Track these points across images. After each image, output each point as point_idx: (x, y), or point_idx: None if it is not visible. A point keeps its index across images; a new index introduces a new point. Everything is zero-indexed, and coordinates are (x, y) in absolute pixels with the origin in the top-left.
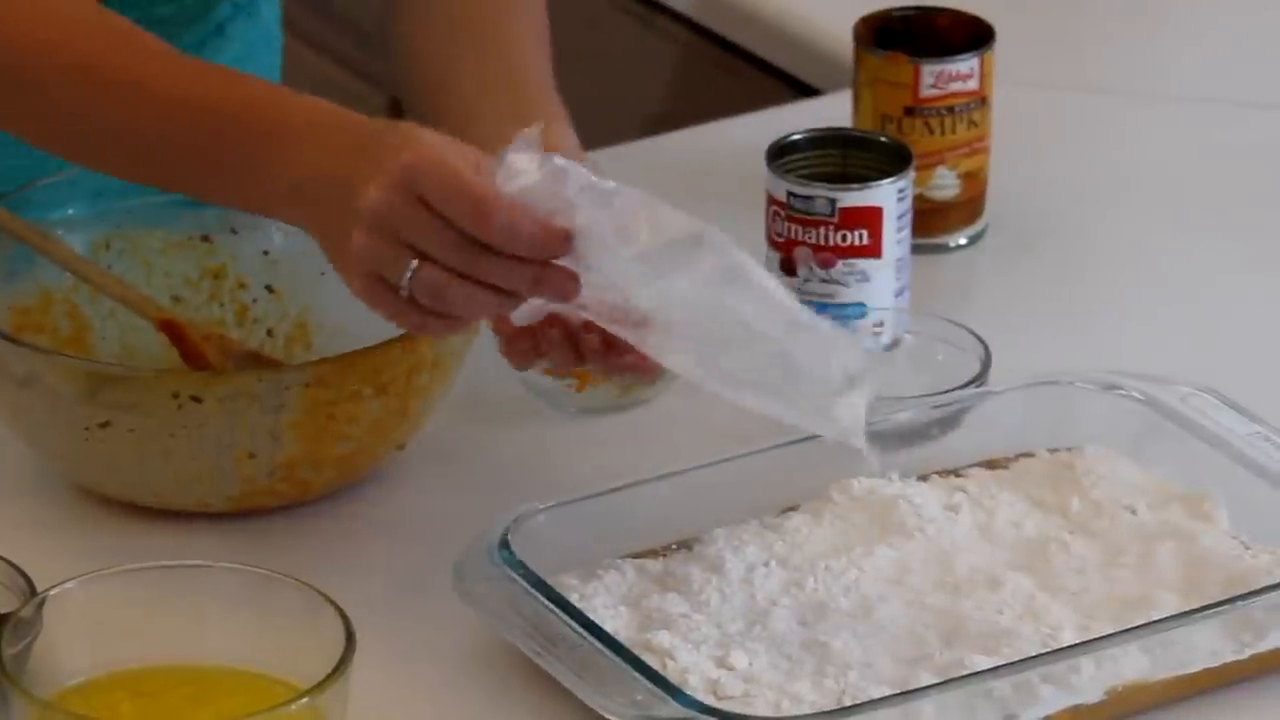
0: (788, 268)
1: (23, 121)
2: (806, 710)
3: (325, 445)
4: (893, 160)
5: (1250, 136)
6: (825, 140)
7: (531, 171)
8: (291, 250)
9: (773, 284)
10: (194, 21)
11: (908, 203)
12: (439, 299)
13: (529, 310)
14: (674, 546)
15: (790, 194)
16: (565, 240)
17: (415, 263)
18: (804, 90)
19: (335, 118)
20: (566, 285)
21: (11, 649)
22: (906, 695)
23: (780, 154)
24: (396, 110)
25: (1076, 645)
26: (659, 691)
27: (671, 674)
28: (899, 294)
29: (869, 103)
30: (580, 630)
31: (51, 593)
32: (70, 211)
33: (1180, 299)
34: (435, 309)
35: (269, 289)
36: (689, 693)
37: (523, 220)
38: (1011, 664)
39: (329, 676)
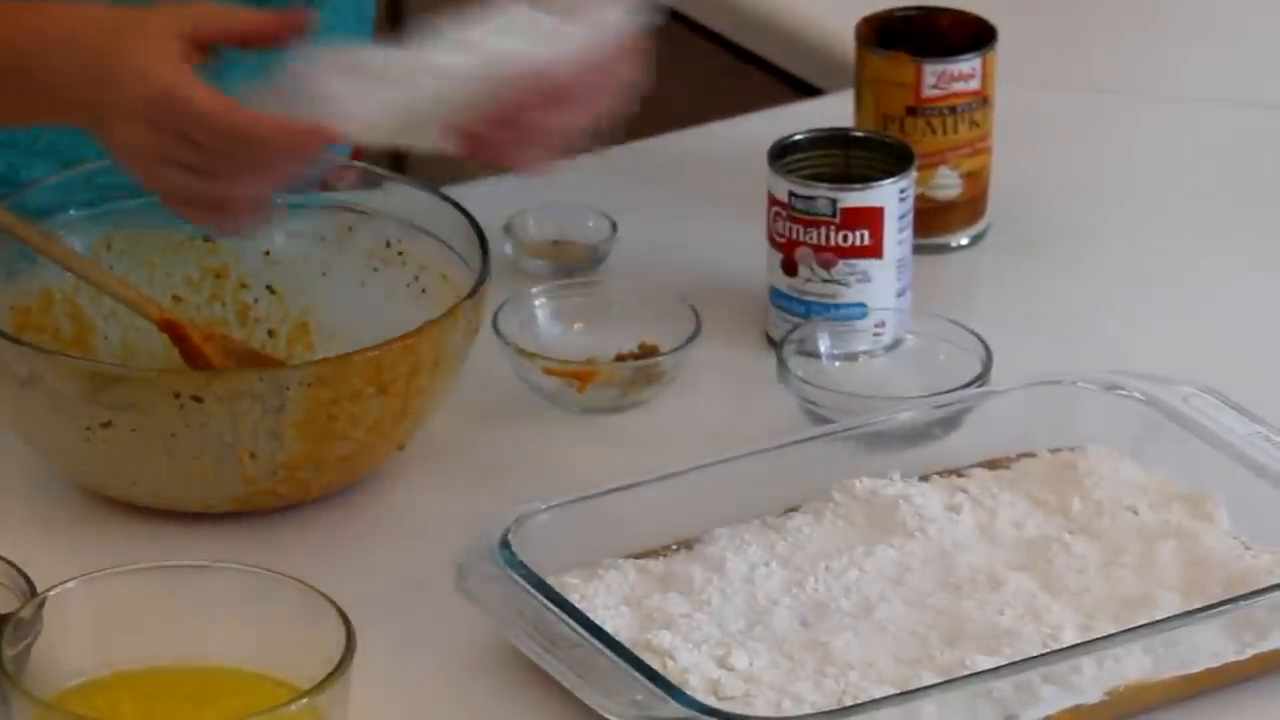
0: (789, 268)
1: None
2: (807, 710)
3: (326, 445)
4: (894, 160)
5: (1253, 136)
6: (827, 140)
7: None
8: (293, 250)
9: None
10: None
11: (909, 203)
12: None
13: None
14: (675, 546)
15: (792, 194)
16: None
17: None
18: (805, 90)
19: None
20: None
21: (12, 649)
22: (907, 695)
23: (782, 154)
24: None
25: (1078, 645)
26: (660, 692)
27: (672, 674)
28: (900, 294)
29: (871, 103)
30: (581, 630)
31: (52, 593)
32: (71, 212)
33: (1182, 299)
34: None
35: (270, 289)
36: (689, 693)
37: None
38: (1013, 664)
39: (329, 677)
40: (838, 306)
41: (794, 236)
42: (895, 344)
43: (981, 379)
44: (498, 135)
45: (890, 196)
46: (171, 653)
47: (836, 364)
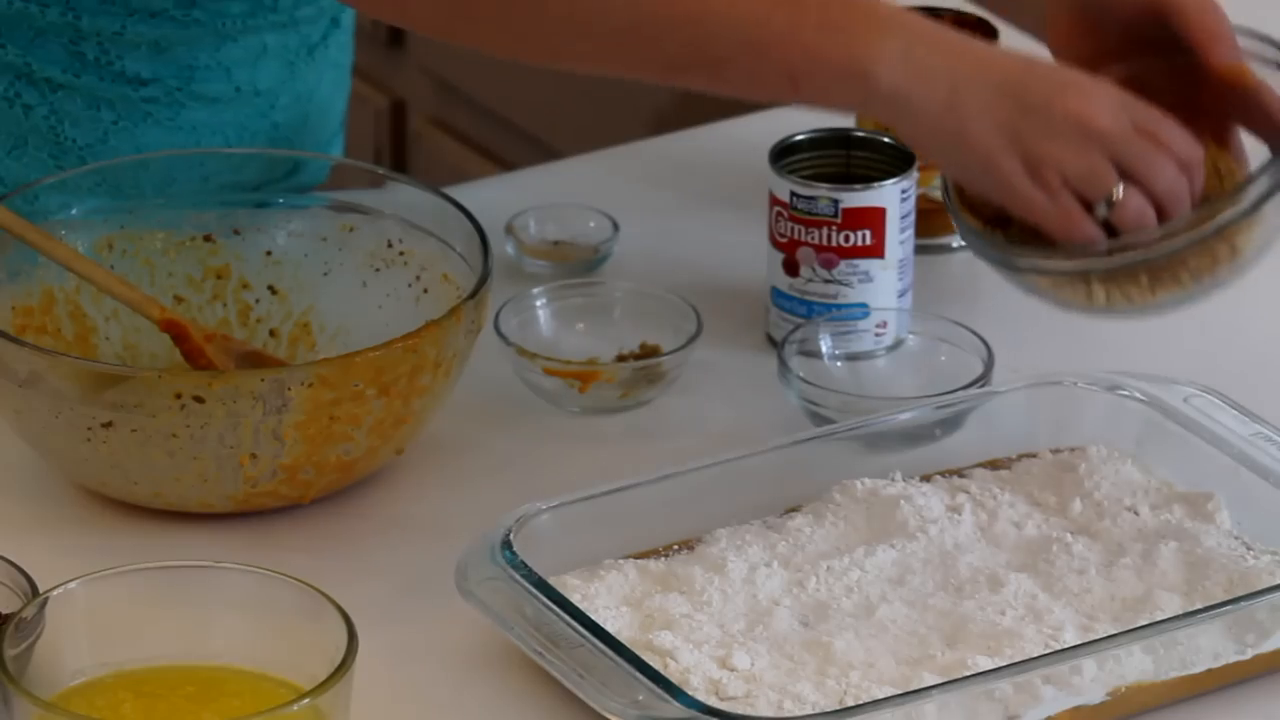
0: (790, 268)
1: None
2: (809, 711)
3: (328, 446)
4: (896, 161)
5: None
6: (828, 140)
7: None
8: (294, 251)
9: None
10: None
11: (911, 203)
12: (1138, 221)
13: None
14: (676, 547)
15: (793, 194)
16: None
17: (1121, 187)
18: None
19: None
20: None
21: (14, 649)
22: (908, 696)
23: (783, 154)
24: (397, 112)
25: (1079, 646)
26: (661, 692)
27: (673, 674)
28: (902, 294)
29: None
30: (582, 630)
31: (54, 593)
32: (73, 212)
33: None
34: (1119, 223)
35: (272, 289)
36: (691, 693)
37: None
38: (1013, 665)
39: (331, 677)
40: (839, 307)
41: (796, 237)
42: (896, 344)
43: (982, 379)
44: None
45: (892, 197)
46: (172, 653)
47: (838, 364)
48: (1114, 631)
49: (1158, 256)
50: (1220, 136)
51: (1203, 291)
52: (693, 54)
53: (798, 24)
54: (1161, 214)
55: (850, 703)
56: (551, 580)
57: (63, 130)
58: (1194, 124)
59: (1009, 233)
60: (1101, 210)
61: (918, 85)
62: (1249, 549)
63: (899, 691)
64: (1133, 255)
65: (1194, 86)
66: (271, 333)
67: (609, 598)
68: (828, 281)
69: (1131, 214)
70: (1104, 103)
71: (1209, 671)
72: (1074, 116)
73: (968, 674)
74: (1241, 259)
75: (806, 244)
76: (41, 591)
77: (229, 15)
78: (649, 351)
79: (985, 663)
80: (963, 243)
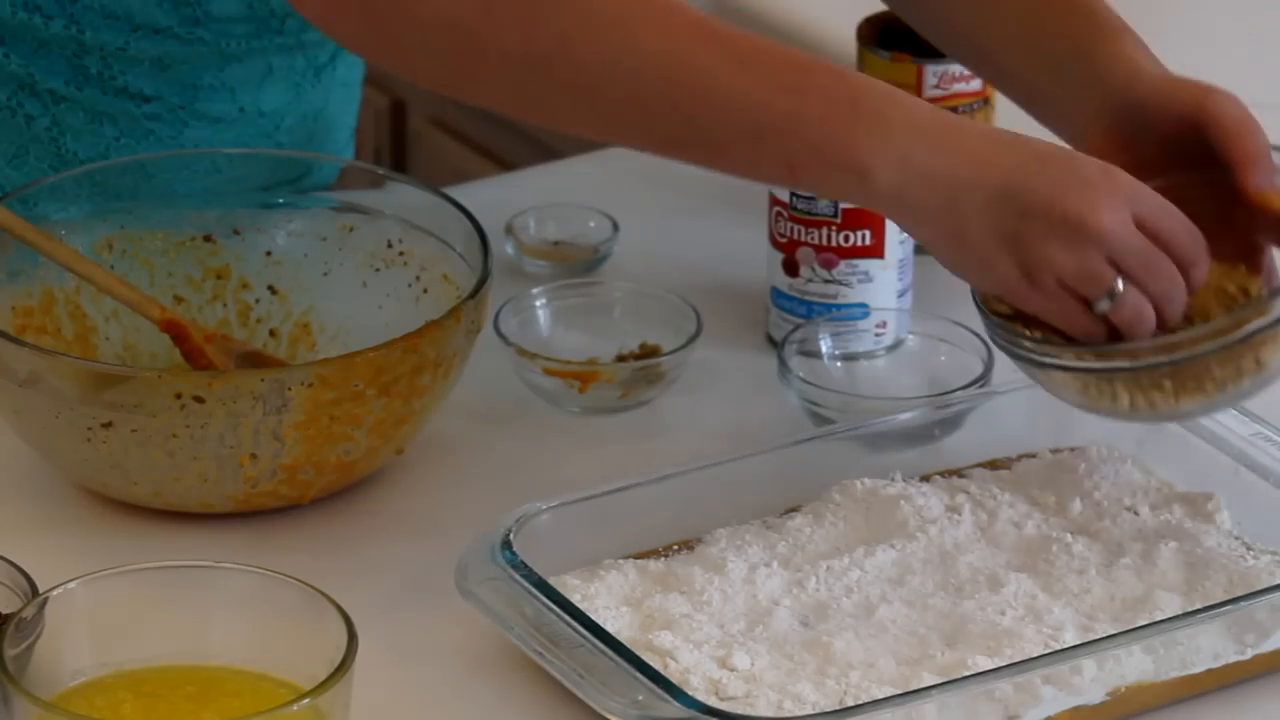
0: (790, 268)
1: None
2: (809, 711)
3: (328, 446)
4: None
5: None
6: None
7: None
8: (294, 251)
9: None
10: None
11: None
12: (1136, 321)
13: None
14: (676, 547)
15: (793, 194)
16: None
17: (1121, 283)
18: None
19: (937, 116)
20: None
21: (13, 649)
22: (908, 696)
23: None
24: (397, 112)
25: (1079, 646)
26: (661, 692)
27: (673, 674)
28: (902, 294)
29: None
30: (582, 630)
31: (54, 593)
32: (73, 212)
33: None
34: (1118, 321)
35: (272, 289)
36: (690, 693)
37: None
38: (1013, 665)
39: (331, 677)
40: (839, 307)
41: (796, 237)
42: (896, 344)
43: (982, 379)
44: None
45: None
46: (172, 653)
47: (838, 364)
48: (1114, 631)
49: (1181, 360)
50: (1252, 257)
51: (1227, 401)
52: (692, 133)
53: (799, 114)
54: (1159, 314)
55: (850, 703)
56: (551, 580)
57: (64, 143)
58: (1226, 239)
59: (1032, 327)
60: (1104, 306)
61: (916, 188)
62: (1249, 549)
63: (899, 691)
64: (1156, 359)
65: (1230, 201)
66: (271, 333)
67: (609, 598)
68: (828, 281)
69: (1128, 313)
70: (1107, 200)
71: (1209, 671)
72: (1073, 218)
73: (968, 674)
74: (1267, 373)
75: (806, 244)
76: (41, 591)
77: (234, 35)
78: (649, 351)
79: (985, 663)
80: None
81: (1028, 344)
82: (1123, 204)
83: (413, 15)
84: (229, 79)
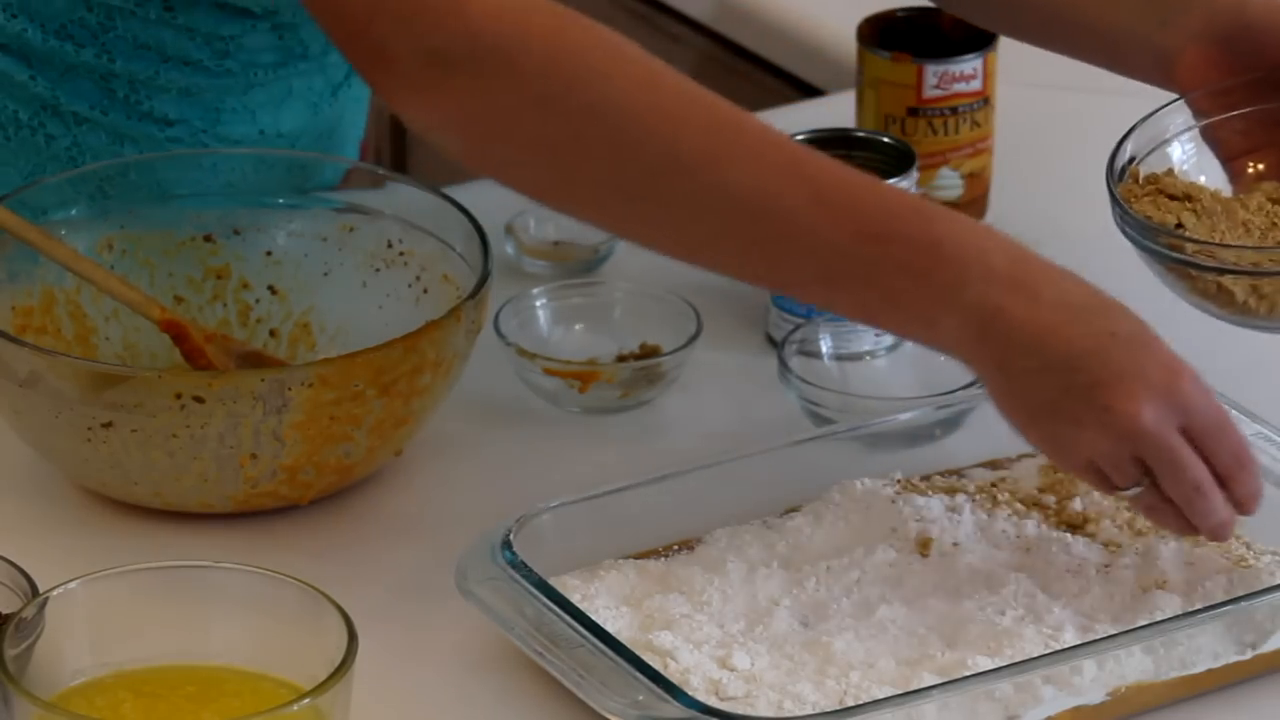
0: None
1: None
2: (809, 711)
3: (328, 446)
4: (896, 161)
5: None
6: (829, 140)
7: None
8: (294, 251)
9: None
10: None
11: None
12: (1153, 518)
13: None
14: (676, 547)
15: None
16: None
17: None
18: (807, 90)
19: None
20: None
21: (14, 649)
22: (908, 696)
23: None
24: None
25: (1078, 646)
26: (661, 692)
27: (673, 674)
28: None
29: (872, 103)
30: (582, 631)
31: (54, 593)
32: (73, 212)
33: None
34: (1135, 508)
35: (272, 289)
36: (690, 693)
37: (1258, 488)
38: (1013, 665)
39: (331, 677)
40: None
41: None
42: (896, 344)
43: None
44: None
45: None
46: (172, 653)
47: (837, 365)
48: (1114, 631)
49: None
50: None
51: None
52: (773, 271)
53: (879, 263)
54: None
55: (850, 703)
56: (551, 580)
57: (83, 162)
58: None
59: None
60: (1129, 493)
61: (976, 343)
62: (1249, 549)
63: (899, 691)
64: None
65: None
66: (271, 333)
67: (609, 598)
68: None
69: (1144, 510)
70: (1152, 399)
71: (1209, 672)
72: (1115, 412)
73: (968, 674)
74: None
75: None
76: (41, 591)
77: (261, 65)
78: (649, 351)
79: (985, 663)
80: None
81: (1163, 240)
82: (1170, 410)
83: (509, 135)
84: (250, 102)
